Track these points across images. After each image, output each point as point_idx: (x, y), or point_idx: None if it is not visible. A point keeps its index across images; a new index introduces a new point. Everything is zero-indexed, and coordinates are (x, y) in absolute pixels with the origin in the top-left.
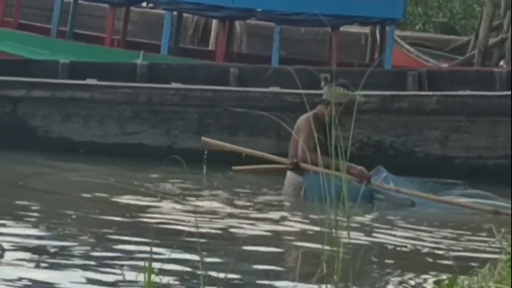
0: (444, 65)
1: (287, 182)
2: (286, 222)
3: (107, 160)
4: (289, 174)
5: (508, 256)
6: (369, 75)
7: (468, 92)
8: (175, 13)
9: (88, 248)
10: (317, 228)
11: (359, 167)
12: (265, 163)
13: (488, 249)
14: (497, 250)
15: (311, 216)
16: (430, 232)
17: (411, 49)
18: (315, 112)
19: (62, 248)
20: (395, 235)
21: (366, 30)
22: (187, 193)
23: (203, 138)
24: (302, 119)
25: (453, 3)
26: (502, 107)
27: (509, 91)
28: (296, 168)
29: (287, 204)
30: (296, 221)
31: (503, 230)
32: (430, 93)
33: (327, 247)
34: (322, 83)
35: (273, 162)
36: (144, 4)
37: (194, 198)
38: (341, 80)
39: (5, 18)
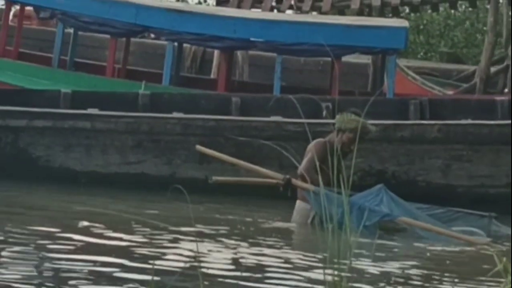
0: (450, 93)
1: (296, 210)
2: (292, 250)
3: (109, 190)
4: (298, 202)
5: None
6: (371, 104)
7: (470, 121)
8: (176, 43)
9: (87, 280)
10: (321, 257)
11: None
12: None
13: (489, 276)
14: (498, 278)
15: (317, 244)
16: (432, 259)
17: (417, 76)
18: (328, 139)
19: (61, 278)
20: (397, 263)
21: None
22: (189, 222)
23: (197, 146)
24: (312, 143)
25: (455, 32)
26: (504, 135)
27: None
28: (288, 184)
29: (294, 232)
30: (301, 249)
31: (504, 259)
32: (432, 122)
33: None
34: (324, 113)
35: (266, 176)
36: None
37: (196, 227)
38: (353, 109)
39: (7, 48)
